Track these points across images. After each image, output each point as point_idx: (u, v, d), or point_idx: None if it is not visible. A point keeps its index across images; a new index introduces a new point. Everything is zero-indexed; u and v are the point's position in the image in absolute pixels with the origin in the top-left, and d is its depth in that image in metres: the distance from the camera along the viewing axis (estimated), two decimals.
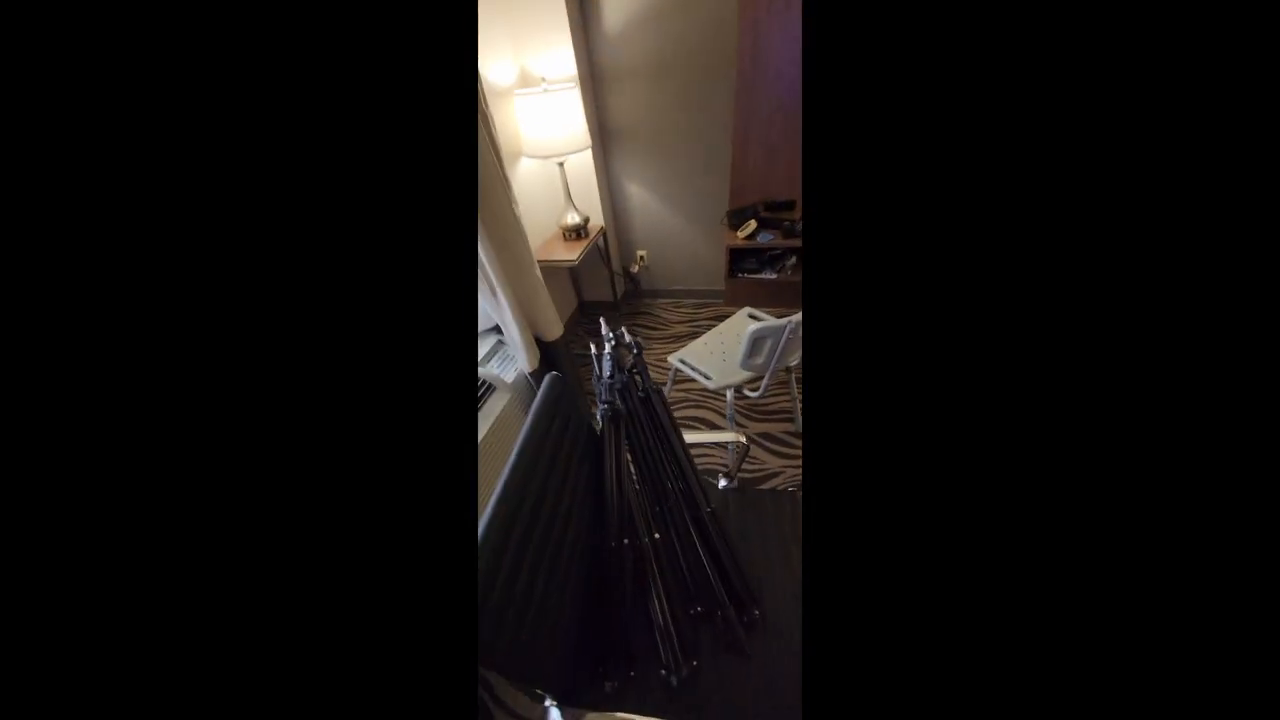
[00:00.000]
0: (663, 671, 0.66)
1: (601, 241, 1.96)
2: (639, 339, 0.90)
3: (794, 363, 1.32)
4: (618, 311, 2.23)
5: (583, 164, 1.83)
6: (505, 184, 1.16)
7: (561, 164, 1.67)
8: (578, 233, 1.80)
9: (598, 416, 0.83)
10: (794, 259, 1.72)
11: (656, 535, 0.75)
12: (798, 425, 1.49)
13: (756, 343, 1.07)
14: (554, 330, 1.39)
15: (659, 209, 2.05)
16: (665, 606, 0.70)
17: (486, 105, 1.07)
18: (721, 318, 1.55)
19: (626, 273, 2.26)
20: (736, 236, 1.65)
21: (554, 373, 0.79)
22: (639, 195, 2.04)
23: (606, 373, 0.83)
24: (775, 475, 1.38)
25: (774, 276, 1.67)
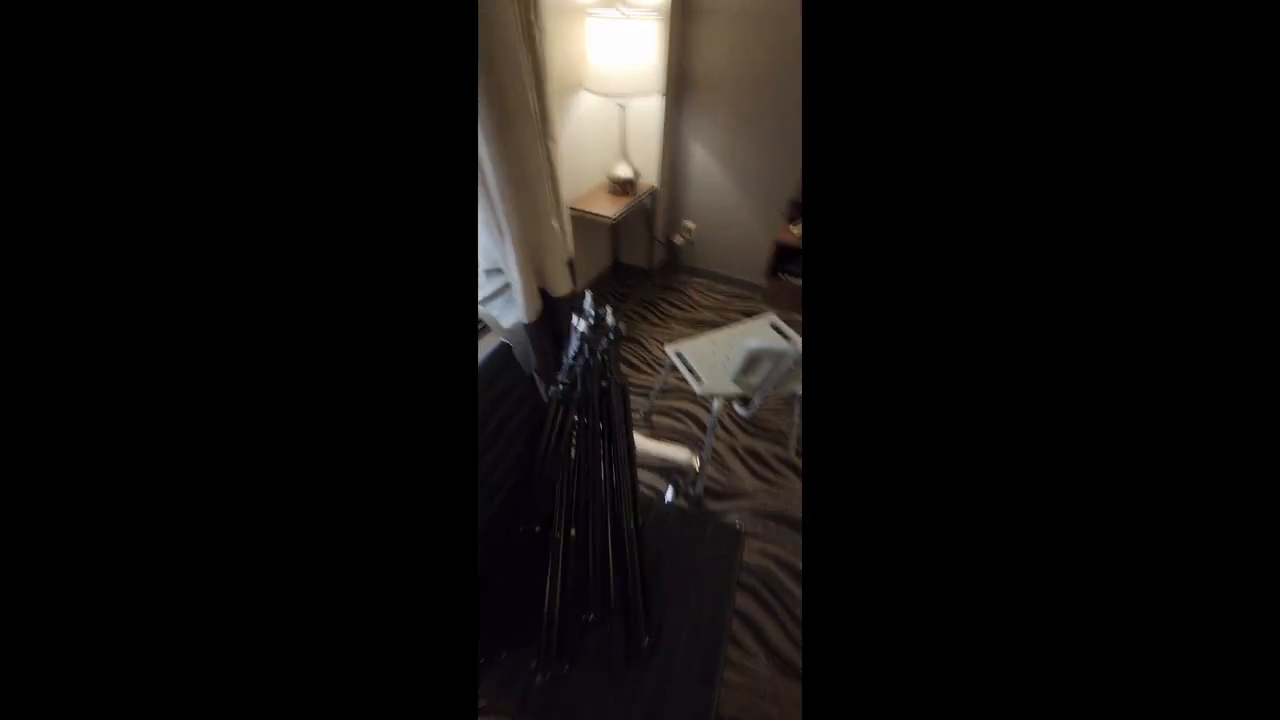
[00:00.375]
0: (532, 664, 0.65)
1: (649, 202, 1.83)
2: (622, 324, 0.82)
3: (794, 391, 1.19)
4: (650, 281, 2.13)
5: (648, 111, 1.65)
6: (539, 116, 1.05)
7: (623, 106, 1.52)
8: (625, 188, 1.67)
9: (546, 393, 0.78)
10: None
11: (572, 532, 0.72)
12: (789, 452, 1.38)
13: (752, 361, 0.96)
14: (561, 287, 1.33)
15: (720, 179, 1.85)
16: (557, 604, 0.68)
17: (536, 18, 0.95)
18: (752, 315, 1.42)
19: (669, 242, 2.12)
20: (790, 231, 1.47)
21: (502, 341, 0.74)
22: (702, 160, 1.84)
23: (573, 351, 0.77)
24: (742, 497, 1.30)
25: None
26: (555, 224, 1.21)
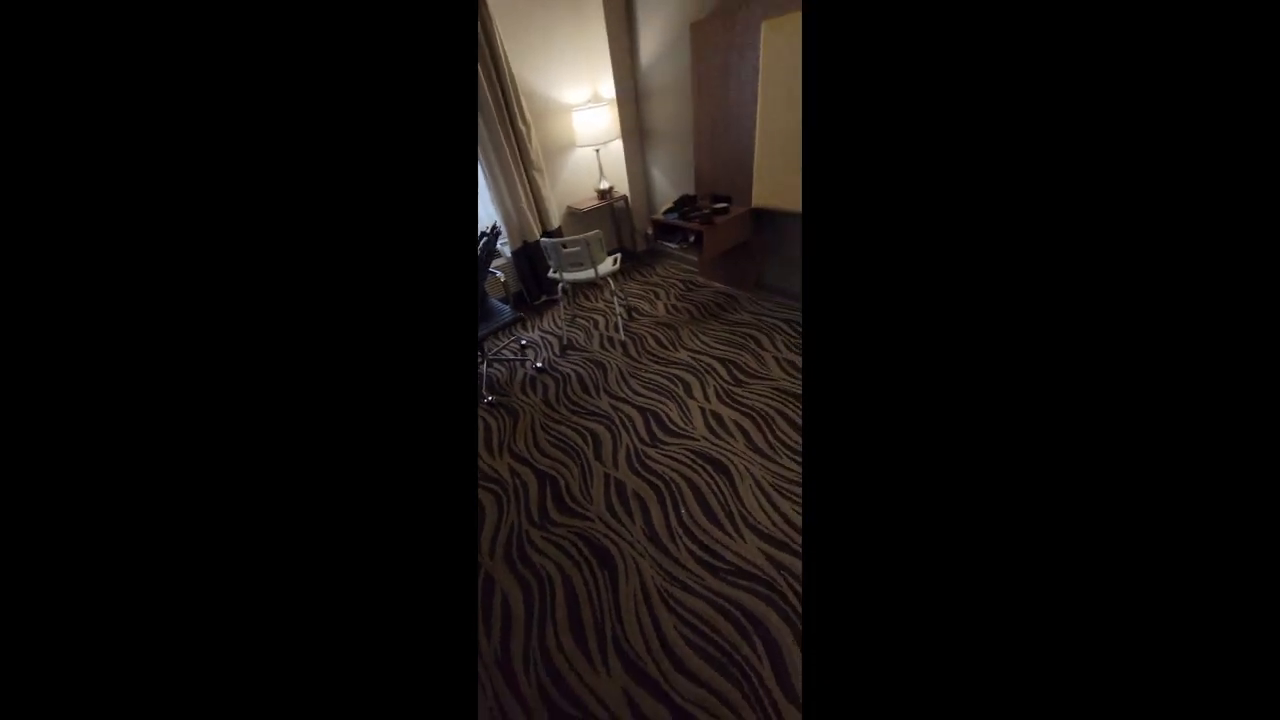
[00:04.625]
0: None
1: (622, 204, 2.90)
2: (502, 235, 1.93)
3: (572, 277, 2.08)
4: (637, 259, 3.13)
5: (616, 149, 2.80)
6: (520, 151, 2.33)
7: (598, 150, 2.68)
8: (602, 195, 2.81)
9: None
10: (693, 238, 2.17)
11: None
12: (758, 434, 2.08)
13: (549, 249, 1.94)
14: (530, 236, 2.54)
15: (667, 189, 2.78)
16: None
17: (521, 112, 2.23)
18: (689, 284, 2.29)
19: (646, 235, 3.09)
20: (659, 214, 2.28)
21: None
22: (659, 178, 2.80)
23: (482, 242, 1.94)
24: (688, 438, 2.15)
25: (675, 245, 2.23)
26: (526, 206, 2.44)
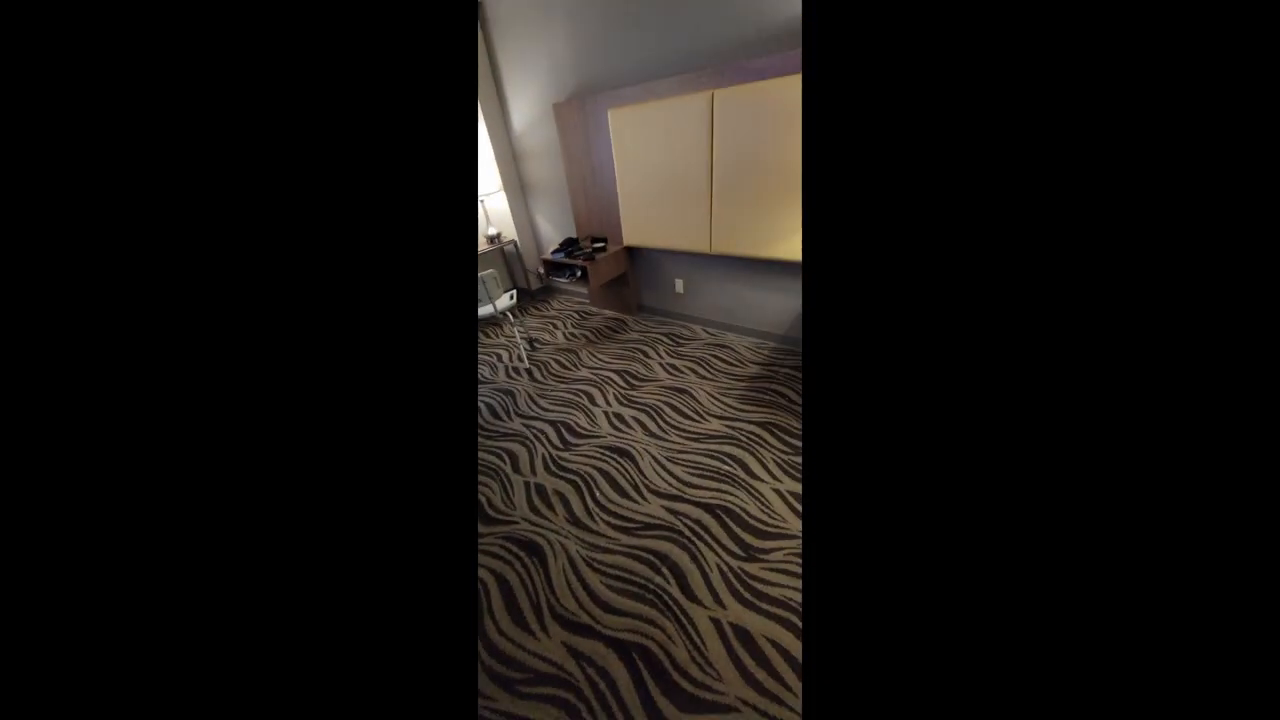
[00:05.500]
0: None
1: (512, 247, 3.15)
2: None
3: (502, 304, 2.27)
4: (531, 297, 3.36)
5: (501, 200, 3.08)
6: None
7: (482, 200, 2.92)
8: (492, 240, 3.02)
9: None
10: (579, 273, 2.54)
11: None
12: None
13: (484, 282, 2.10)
14: None
15: (551, 233, 3.13)
16: None
17: None
18: (583, 313, 2.54)
19: (539, 274, 3.38)
20: (547, 254, 2.61)
21: None
22: (543, 224, 3.15)
23: None
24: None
25: (564, 280, 2.57)
26: None
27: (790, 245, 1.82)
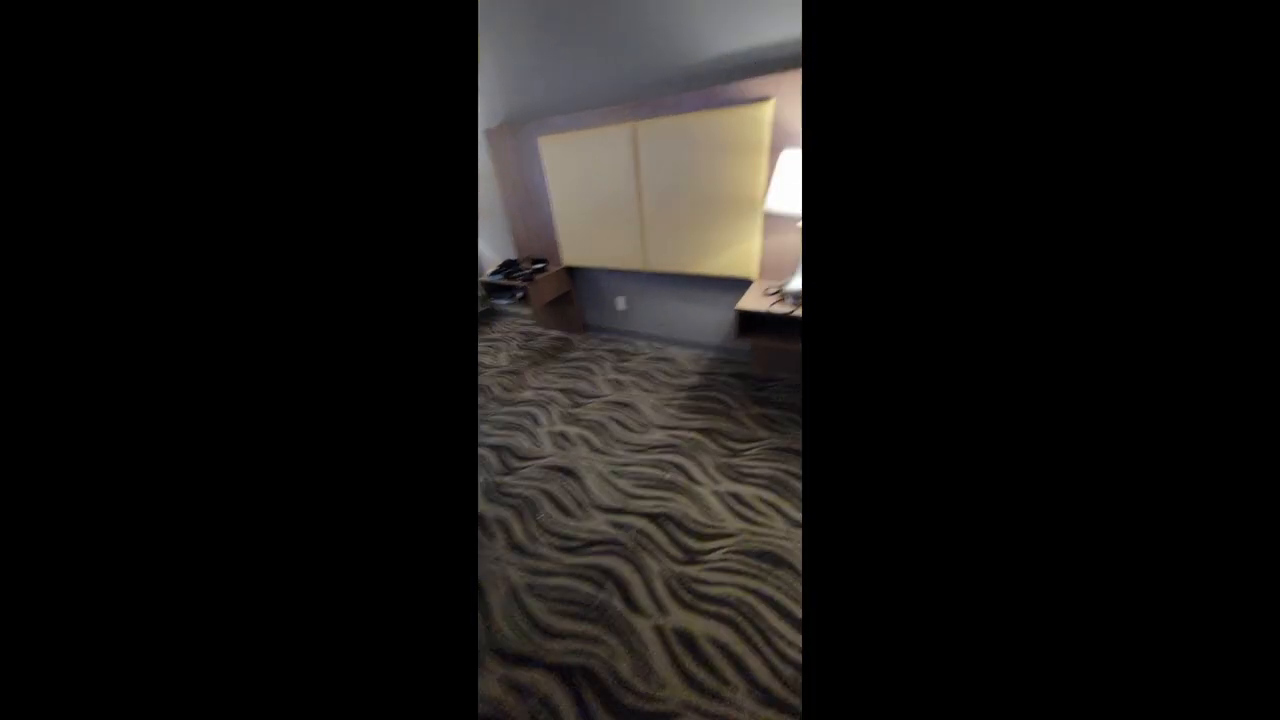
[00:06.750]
0: None
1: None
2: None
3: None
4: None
5: None
6: None
7: None
8: None
9: None
10: (520, 294, 2.54)
11: None
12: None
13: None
14: None
15: (492, 255, 3.12)
16: None
17: None
18: (528, 334, 2.49)
19: (480, 297, 3.32)
20: (485, 275, 2.59)
21: None
22: (483, 246, 3.13)
23: None
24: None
25: (505, 302, 2.56)
26: None
27: (719, 262, 1.95)
